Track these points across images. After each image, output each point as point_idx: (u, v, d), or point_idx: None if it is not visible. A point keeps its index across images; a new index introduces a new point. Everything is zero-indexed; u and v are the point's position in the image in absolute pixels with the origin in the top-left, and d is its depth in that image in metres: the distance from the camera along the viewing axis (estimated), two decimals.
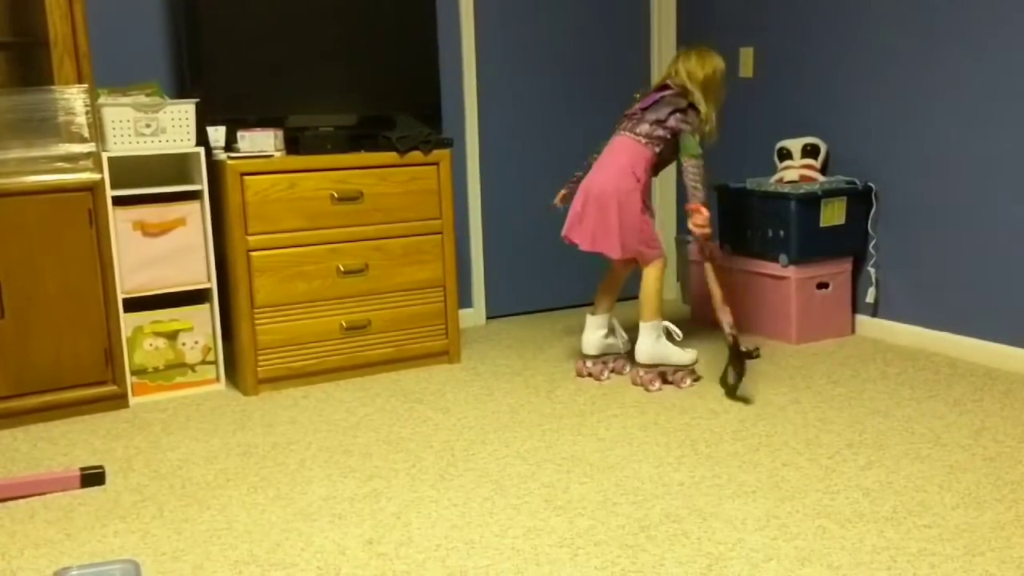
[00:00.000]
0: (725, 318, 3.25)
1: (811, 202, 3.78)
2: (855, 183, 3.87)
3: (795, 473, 2.55)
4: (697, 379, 3.37)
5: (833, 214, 3.83)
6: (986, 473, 2.51)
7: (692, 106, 3.34)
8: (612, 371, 3.50)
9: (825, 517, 2.27)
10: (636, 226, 3.31)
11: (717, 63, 3.38)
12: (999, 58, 3.35)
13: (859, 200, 3.86)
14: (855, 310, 4.00)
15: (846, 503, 2.35)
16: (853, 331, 4.00)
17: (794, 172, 3.91)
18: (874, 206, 3.86)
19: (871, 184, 3.86)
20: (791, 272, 3.81)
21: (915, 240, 3.73)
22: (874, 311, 3.94)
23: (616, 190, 3.30)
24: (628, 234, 3.30)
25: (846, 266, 3.94)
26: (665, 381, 3.35)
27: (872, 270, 3.90)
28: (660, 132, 3.32)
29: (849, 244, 3.91)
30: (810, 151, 3.95)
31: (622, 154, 3.36)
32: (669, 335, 3.36)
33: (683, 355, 3.35)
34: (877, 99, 3.81)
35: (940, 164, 3.60)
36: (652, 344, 3.32)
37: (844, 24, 3.90)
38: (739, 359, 3.17)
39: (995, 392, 3.17)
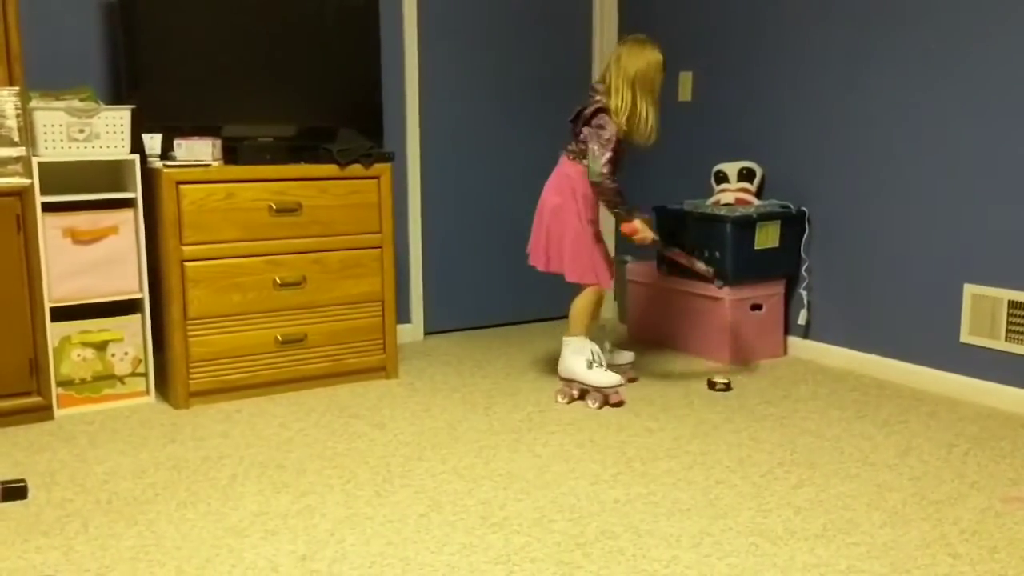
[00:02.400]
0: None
1: (746, 225, 3.84)
2: (789, 207, 3.95)
3: (728, 491, 2.58)
4: (619, 403, 3.32)
5: (767, 237, 3.90)
6: (912, 492, 2.57)
7: (602, 109, 3.27)
8: (629, 380, 3.52)
9: (758, 535, 2.31)
10: (575, 240, 3.33)
11: (651, 56, 3.29)
12: (930, 87, 3.46)
13: (793, 224, 3.95)
14: (787, 331, 4.07)
15: (778, 521, 2.38)
16: (785, 352, 4.07)
17: (730, 195, 3.98)
18: (807, 230, 3.94)
19: (804, 208, 3.94)
20: (726, 293, 3.87)
21: (846, 264, 3.83)
22: (806, 333, 4.02)
23: (554, 206, 3.35)
24: (568, 252, 3.33)
25: (779, 288, 4.02)
26: (580, 396, 3.37)
27: (804, 292, 3.98)
28: (584, 146, 3.34)
29: (782, 267, 3.98)
30: (746, 175, 4.03)
31: (560, 169, 3.41)
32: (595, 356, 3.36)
33: (596, 377, 3.30)
34: (811, 125, 3.90)
35: (871, 191, 3.70)
36: (568, 358, 3.36)
37: (781, 51, 3.99)
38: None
39: (920, 413, 3.26)
